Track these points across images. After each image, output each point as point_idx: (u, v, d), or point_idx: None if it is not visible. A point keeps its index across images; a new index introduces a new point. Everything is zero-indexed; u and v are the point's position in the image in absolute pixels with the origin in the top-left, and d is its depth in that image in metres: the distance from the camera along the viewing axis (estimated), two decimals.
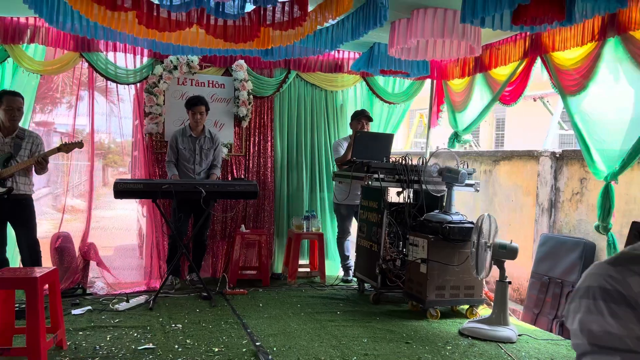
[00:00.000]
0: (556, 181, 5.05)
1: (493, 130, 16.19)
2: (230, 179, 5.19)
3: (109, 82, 5.06)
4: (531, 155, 5.43)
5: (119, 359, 2.94)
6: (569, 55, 3.87)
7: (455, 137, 5.64)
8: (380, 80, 5.84)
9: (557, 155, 4.93)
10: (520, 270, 5.18)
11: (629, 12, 3.36)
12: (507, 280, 3.75)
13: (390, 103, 5.94)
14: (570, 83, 3.84)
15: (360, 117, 5.11)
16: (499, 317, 3.61)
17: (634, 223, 2.52)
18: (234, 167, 5.41)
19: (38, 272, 2.93)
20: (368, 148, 4.67)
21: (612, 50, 3.52)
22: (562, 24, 3.20)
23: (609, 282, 0.75)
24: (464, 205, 5.96)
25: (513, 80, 4.60)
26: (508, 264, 3.96)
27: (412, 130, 11.86)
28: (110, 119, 7.78)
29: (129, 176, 6.78)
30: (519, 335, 3.60)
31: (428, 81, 5.96)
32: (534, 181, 5.32)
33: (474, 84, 5.23)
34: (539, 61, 4.31)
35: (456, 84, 5.56)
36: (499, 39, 4.68)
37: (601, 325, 0.73)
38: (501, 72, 4.78)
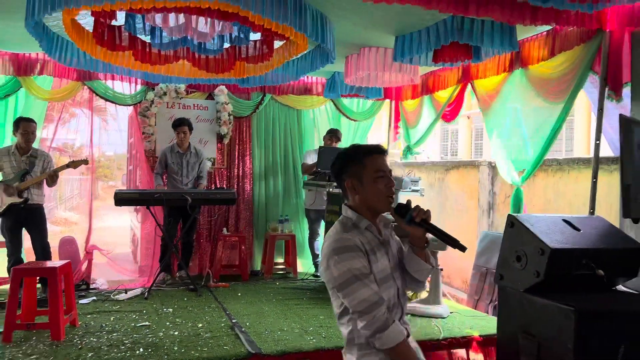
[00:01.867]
0: (493, 186, 5.82)
1: (472, 140, 16.99)
2: (213, 188, 5.89)
3: (100, 102, 5.72)
4: (474, 165, 6.21)
5: (122, 333, 3.62)
6: (488, 82, 4.66)
7: (408, 150, 6.40)
8: (345, 100, 6.59)
9: (493, 165, 5.69)
10: (466, 264, 5.92)
11: (529, 50, 4.15)
12: (440, 267, 4.47)
13: (354, 120, 6.70)
14: (486, 104, 4.62)
15: (332, 135, 5.84)
16: (432, 297, 4.33)
17: (509, 215, 3.24)
18: (217, 178, 6.11)
19: (57, 264, 3.61)
20: (330, 160, 5.38)
21: (518, 78, 4.31)
22: (473, 61, 3.99)
23: (342, 243, 1.84)
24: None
25: (451, 102, 5.37)
26: (455, 259, 4.67)
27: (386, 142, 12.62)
28: (100, 135, 7.96)
29: (121, 188, 7.43)
30: (450, 312, 4.33)
31: (387, 101, 6.73)
32: (476, 187, 6.09)
33: (423, 105, 6.00)
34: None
35: (409, 104, 6.33)
36: (440, 67, 5.46)
37: (351, 267, 1.82)
38: (442, 95, 5.55)
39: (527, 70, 4.18)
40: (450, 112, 5.43)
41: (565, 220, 3.08)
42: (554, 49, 3.86)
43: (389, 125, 6.84)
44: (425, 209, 1.91)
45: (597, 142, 3.52)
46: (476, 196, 6.05)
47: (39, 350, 3.21)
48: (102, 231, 7.15)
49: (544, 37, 3.97)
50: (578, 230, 3.01)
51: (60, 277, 3.52)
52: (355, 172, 1.91)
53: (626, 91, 3.32)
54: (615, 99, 3.34)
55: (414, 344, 1.99)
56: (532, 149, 4.11)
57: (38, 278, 4.19)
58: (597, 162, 3.53)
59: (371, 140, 7.67)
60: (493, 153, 4.65)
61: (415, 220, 1.88)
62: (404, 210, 1.92)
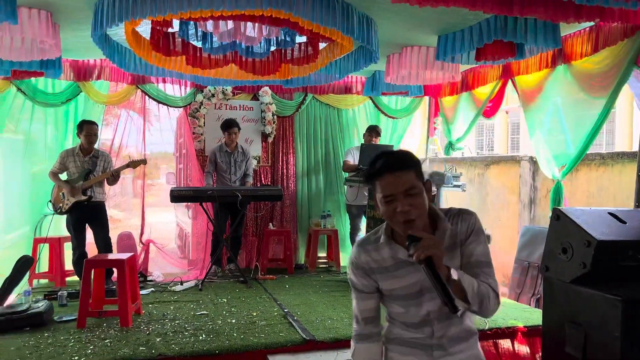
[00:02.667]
0: (534, 181, 5.84)
1: (509, 134, 16.80)
2: (259, 185, 6.12)
3: (151, 104, 6.02)
4: (515, 160, 6.23)
5: (183, 320, 3.87)
6: (530, 78, 4.69)
7: (450, 145, 6.47)
8: (384, 98, 6.71)
9: (534, 160, 5.71)
10: (508, 259, 5.95)
11: (572, 46, 4.18)
12: None
13: (393, 118, 6.81)
14: (527, 100, 4.66)
15: (371, 131, 5.98)
16: None
17: (554, 209, 3.30)
18: (262, 175, 6.34)
19: (124, 256, 3.89)
20: (371, 157, 5.52)
21: (561, 74, 4.34)
22: (515, 58, 4.06)
23: (352, 256, 1.79)
24: (462, 204, 6.76)
25: (492, 98, 5.42)
26: (496, 254, 4.73)
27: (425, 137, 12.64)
28: (138, 135, 7.88)
29: (164, 187, 7.73)
30: None
31: (426, 98, 6.81)
32: (517, 182, 6.10)
33: (460, 101, 6.06)
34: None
35: (447, 101, 6.39)
36: (480, 63, 5.51)
37: (351, 278, 1.77)
38: (482, 91, 5.59)
39: (570, 66, 4.20)
40: (491, 108, 5.48)
41: (610, 213, 3.14)
42: (597, 44, 3.88)
43: (428, 121, 6.91)
44: (432, 247, 1.45)
45: None
46: (517, 191, 6.07)
47: (111, 335, 3.48)
48: (146, 228, 7.44)
49: (587, 33, 3.99)
50: (624, 222, 3.07)
51: (127, 269, 3.79)
52: (373, 192, 1.70)
53: None
54: None
55: None
56: (574, 144, 4.14)
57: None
58: None
59: (408, 136, 7.76)
60: (534, 148, 4.69)
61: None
62: (409, 243, 1.51)
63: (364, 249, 1.74)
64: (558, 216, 3.12)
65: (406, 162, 1.61)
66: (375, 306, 1.78)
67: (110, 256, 4.06)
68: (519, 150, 14.99)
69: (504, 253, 6.20)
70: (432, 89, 6.49)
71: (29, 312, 3.67)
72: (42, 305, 3.80)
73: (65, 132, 5.72)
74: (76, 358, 3.03)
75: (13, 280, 4.18)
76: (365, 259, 1.73)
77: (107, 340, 3.37)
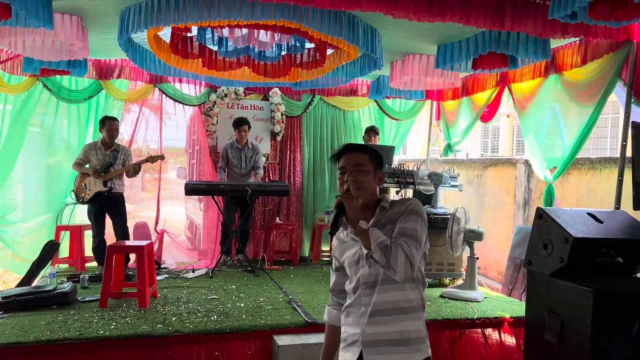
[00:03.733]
0: (529, 183, 6.10)
1: (513, 137, 16.97)
2: (267, 181, 6.42)
3: (166, 102, 6.31)
4: (511, 162, 6.50)
5: (196, 303, 4.17)
6: (524, 86, 4.96)
7: (449, 147, 6.74)
8: (388, 101, 6.99)
9: (529, 163, 5.97)
10: (502, 256, 6.21)
11: (563, 58, 4.44)
12: (476, 256, 4.82)
13: (397, 120, 7.09)
14: (522, 106, 4.93)
15: (369, 132, 6.26)
16: (468, 283, 4.70)
17: (538, 208, 3.56)
18: (270, 172, 6.64)
19: (142, 243, 4.20)
20: None
21: (553, 83, 4.60)
22: (509, 68, 4.32)
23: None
24: (460, 204, 7.04)
25: (489, 104, 5.68)
26: (492, 251, 5.00)
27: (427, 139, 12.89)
28: (146, 131, 7.84)
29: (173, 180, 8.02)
30: (485, 297, 4.68)
31: (428, 101, 7.08)
32: (512, 183, 6.37)
33: (461, 105, 6.32)
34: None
35: (449, 105, 6.65)
36: (477, 72, 5.77)
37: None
38: (481, 97, 5.85)
39: (561, 76, 4.46)
40: (488, 113, 5.74)
41: (589, 214, 3.42)
42: (586, 56, 4.14)
43: (430, 123, 7.18)
44: (347, 199, 1.85)
45: (624, 143, 3.79)
46: (513, 192, 6.33)
47: (130, 314, 3.79)
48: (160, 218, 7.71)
49: (577, 45, 4.25)
50: (601, 222, 3.34)
51: (146, 254, 4.10)
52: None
53: None
54: (638, 102, 3.62)
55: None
56: (564, 149, 4.40)
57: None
58: (623, 161, 3.81)
59: (412, 137, 8.02)
60: (528, 152, 4.95)
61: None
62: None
63: (338, 233, 2.04)
64: (541, 215, 3.40)
65: (363, 148, 1.99)
66: (341, 281, 2.08)
67: (131, 243, 4.37)
68: (524, 152, 15.16)
69: (499, 251, 6.47)
70: (435, 93, 6.75)
71: (55, 292, 3.99)
72: (67, 286, 4.11)
73: (86, 127, 6.04)
74: (101, 332, 3.34)
75: (40, 263, 4.51)
76: (335, 241, 2.08)
77: (128, 319, 3.68)
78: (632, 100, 3.72)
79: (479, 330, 4.00)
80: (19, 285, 4.43)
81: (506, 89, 5.34)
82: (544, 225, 3.34)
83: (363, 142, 6.29)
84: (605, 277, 3.15)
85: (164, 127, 6.41)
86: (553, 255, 3.22)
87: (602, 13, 2.87)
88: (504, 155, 15.19)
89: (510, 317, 4.08)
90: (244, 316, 3.79)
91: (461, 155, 7.71)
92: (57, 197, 5.91)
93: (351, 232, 1.98)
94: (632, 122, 2.65)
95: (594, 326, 2.91)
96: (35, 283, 4.46)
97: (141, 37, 4.68)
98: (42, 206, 5.95)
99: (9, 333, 3.28)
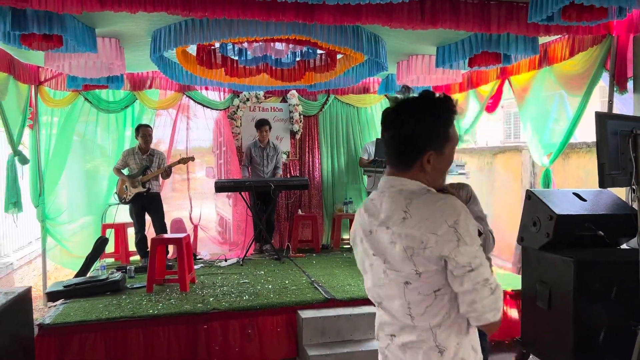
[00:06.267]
0: (533, 168, 6.42)
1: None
2: (288, 176, 6.90)
3: (194, 108, 6.84)
4: (517, 149, 6.82)
5: (229, 287, 4.68)
6: (522, 78, 5.29)
7: (459, 138, 7.08)
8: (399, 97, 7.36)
9: None
10: (514, 238, 6.54)
11: (554, 51, 4.76)
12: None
13: None
14: (520, 96, 5.27)
15: None
16: None
17: (527, 191, 3.92)
18: (291, 168, 7.12)
19: (181, 235, 4.73)
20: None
21: (546, 74, 4.93)
22: (502, 64, 4.68)
23: None
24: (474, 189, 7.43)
25: (492, 95, 6.01)
26: (505, 234, 5.35)
27: None
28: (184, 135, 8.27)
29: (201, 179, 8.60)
30: None
31: None
32: (519, 169, 6.70)
33: (469, 97, 6.66)
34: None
35: (457, 97, 7.01)
36: (475, 67, 6.09)
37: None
38: (485, 89, 6.19)
39: (552, 68, 4.78)
40: (492, 104, 6.07)
41: (575, 193, 3.79)
42: (573, 49, 4.45)
43: None
44: None
45: None
46: (520, 177, 6.66)
47: (174, 297, 4.32)
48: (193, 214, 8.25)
49: (566, 39, 4.56)
50: (584, 200, 3.71)
51: (184, 245, 4.63)
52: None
53: (630, 85, 3.92)
54: (620, 91, 3.95)
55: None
56: (559, 135, 4.74)
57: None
58: None
59: None
60: (527, 139, 5.29)
61: None
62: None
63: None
64: (530, 196, 3.79)
65: None
66: None
67: (170, 235, 4.91)
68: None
69: (510, 234, 6.80)
70: (442, 88, 7.10)
71: (108, 280, 4.55)
72: (118, 275, 4.68)
73: (123, 134, 6.62)
74: (151, 311, 3.88)
75: (93, 256, 5.10)
76: None
77: (172, 300, 4.21)
78: (615, 88, 4.04)
79: None
80: (76, 276, 5.02)
81: (507, 82, 5.67)
82: (533, 205, 3.72)
83: (380, 136, 6.66)
84: (586, 248, 3.52)
85: (190, 130, 6.95)
86: (541, 231, 3.61)
87: (573, 16, 3.23)
88: (526, 141, 15.34)
89: (512, 290, 4.47)
90: (271, 295, 4.28)
91: (472, 144, 8.03)
92: (96, 200, 6.48)
93: None
94: (595, 112, 3.00)
95: (576, 291, 3.30)
96: (89, 274, 5.04)
97: (170, 52, 5.18)
98: (83, 208, 6.50)
99: (74, 314, 3.85)
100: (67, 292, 4.35)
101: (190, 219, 6.60)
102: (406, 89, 1.58)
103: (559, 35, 4.47)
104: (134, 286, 4.71)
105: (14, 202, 5.02)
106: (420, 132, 1.43)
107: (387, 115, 1.51)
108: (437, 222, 1.38)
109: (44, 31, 3.37)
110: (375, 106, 7.34)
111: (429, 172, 1.47)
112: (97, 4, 3.12)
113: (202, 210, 6.83)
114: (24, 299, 2.76)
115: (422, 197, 1.44)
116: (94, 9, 3.15)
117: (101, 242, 5.22)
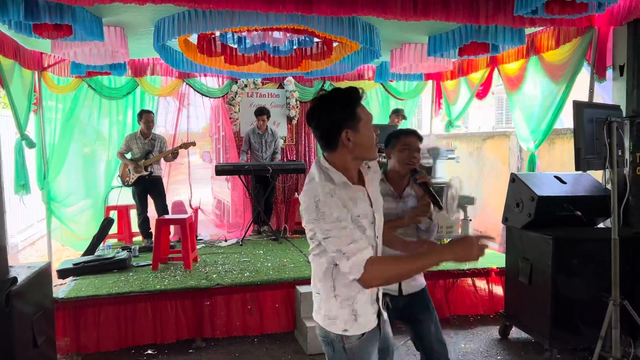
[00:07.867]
0: (520, 153, 6.65)
1: None
2: (285, 161, 7.09)
3: (192, 94, 6.99)
4: (506, 135, 7.05)
5: (231, 264, 4.91)
6: (510, 66, 5.49)
7: (450, 124, 7.30)
8: (392, 82, 7.55)
9: None
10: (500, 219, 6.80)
11: (541, 41, 4.95)
12: (469, 218, 5.44)
13: (401, 99, 7.65)
14: (508, 85, 5.48)
15: (398, 114, 6.88)
16: None
17: (511, 174, 4.15)
18: (288, 152, 7.31)
19: (185, 216, 4.94)
20: (384, 137, 6.44)
21: (533, 64, 5.13)
22: (490, 54, 4.88)
23: None
24: (462, 174, 7.62)
25: (482, 82, 6.21)
26: (490, 215, 5.59)
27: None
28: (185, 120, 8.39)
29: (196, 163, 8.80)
30: None
31: (430, 81, 7.62)
32: (507, 154, 6.93)
33: (460, 84, 6.86)
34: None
35: (449, 84, 7.18)
36: (465, 56, 6.27)
37: None
38: (475, 77, 6.38)
39: (540, 58, 4.98)
40: (482, 91, 6.28)
41: (556, 177, 4.02)
42: (559, 40, 4.65)
43: (432, 102, 7.73)
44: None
45: None
46: (507, 162, 6.90)
47: (178, 274, 4.54)
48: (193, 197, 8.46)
49: (552, 30, 4.75)
50: (564, 183, 3.94)
51: (187, 225, 4.83)
52: (394, 144, 2.67)
53: (609, 74, 4.13)
54: (599, 79, 4.16)
55: None
56: (543, 121, 4.96)
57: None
58: None
59: (421, 114, 8.54)
60: (515, 125, 5.51)
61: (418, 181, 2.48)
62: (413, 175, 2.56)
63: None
64: (513, 179, 4.02)
65: (421, 137, 2.69)
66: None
67: (174, 216, 5.11)
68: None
69: (497, 216, 7.06)
70: (435, 75, 7.29)
71: (115, 258, 4.76)
72: (124, 254, 4.88)
73: (125, 120, 6.77)
74: (158, 286, 4.10)
75: (100, 236, 5.30)
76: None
77: (177, 277, 4.43)
78: (595, 77, 4.25)
79: (469, 279, 4.66)
80: (84, 255, 5.23)
81: (496, 70, 5.87)
82: (517, 188, 3.95)
83: (389, 122, 6.89)
84: (567, 228, 3.76)
85: (190, 116, 7.11)
86: (523, 211, 3.85)
87: (555, 10, 3.43)
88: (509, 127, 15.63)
89: (497, 268, 4.72)
90: (271, 272, 4.51)
91: (461, 130, 8.25)
92: (95, 183, 6.63)
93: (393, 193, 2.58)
94: (573, 101, 3.21)
95: (554, 266, 3.56)
96: (96, 253, 5.24)
97: (172, 40, 5.32)
98: (86, 191, 6.67)
99: (85, 290, 4.06)
100: (77, 270, 4.56)
101: (190, 202, 6.79)
102: (322, 90, 2.18)
103: (545, 27, 4.66)
104: (140, 264, 4.92)
105: (22, 184, 5.19)
106: (332, 118, 1.75)
107: (308, 112, 1.86)
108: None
109: (55, 21, 3.53)
110: (369, 92, 7.51)
111: (352, 149, 1.76)
112: None
113: (200, 194, 7.03)
114: (45, 272, 2.96)
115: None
116: (105, 1, 3.30)
117: (107, 223, 5.42)
